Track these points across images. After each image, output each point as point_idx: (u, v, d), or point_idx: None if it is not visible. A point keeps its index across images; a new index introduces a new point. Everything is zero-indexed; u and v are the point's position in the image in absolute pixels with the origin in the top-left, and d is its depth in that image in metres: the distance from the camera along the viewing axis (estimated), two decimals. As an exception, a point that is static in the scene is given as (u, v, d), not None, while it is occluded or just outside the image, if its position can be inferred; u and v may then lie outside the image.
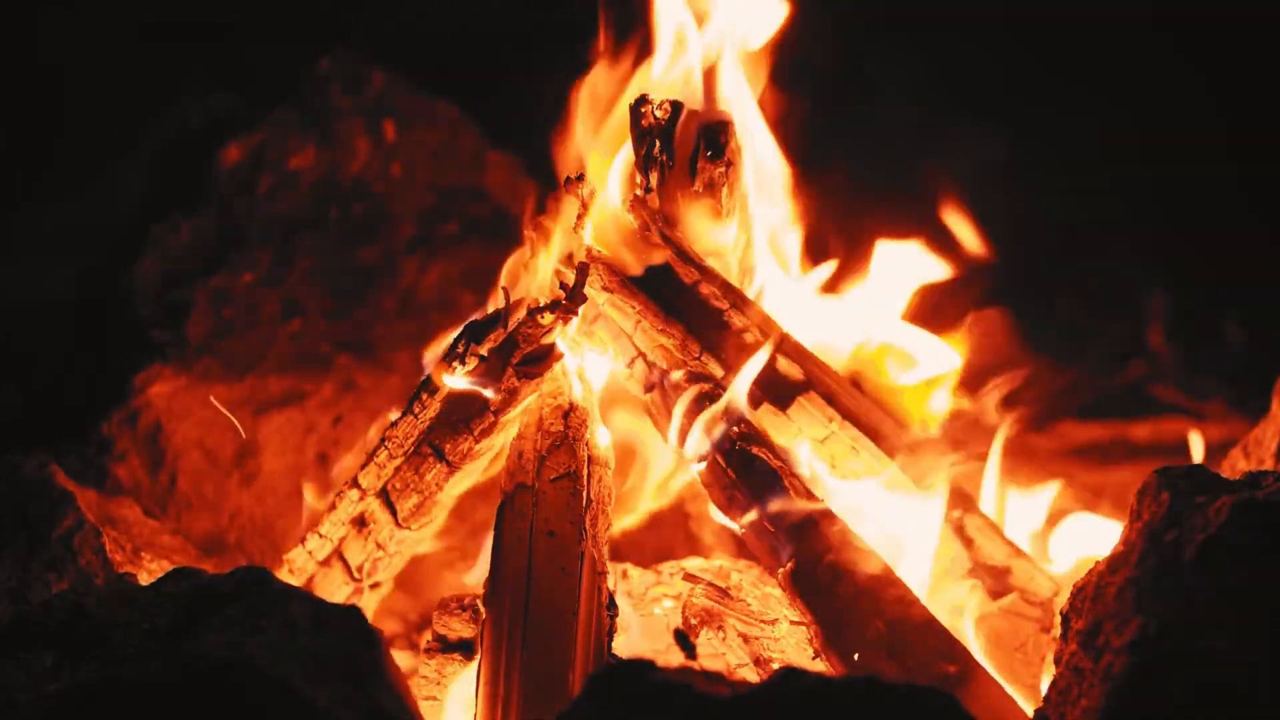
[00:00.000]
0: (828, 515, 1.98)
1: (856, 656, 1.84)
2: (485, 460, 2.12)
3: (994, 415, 2.27)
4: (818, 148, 2.36)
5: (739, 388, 2.04)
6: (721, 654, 1.96)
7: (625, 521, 2.30)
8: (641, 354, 2.12)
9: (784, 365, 2.10)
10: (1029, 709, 1.78)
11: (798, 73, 2.32)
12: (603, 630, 1.88)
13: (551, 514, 1.91)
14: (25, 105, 3.15)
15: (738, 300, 2.12)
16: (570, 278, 2.04)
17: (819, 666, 1.89)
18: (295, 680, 1.43)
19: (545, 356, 2.03)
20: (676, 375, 2.08)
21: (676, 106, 2.10)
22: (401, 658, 2.20)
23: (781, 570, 1.95)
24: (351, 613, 1.58)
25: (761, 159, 2.24)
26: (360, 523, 2.10)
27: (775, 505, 1.97)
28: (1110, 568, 1.65)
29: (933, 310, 2.36)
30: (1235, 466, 2.37)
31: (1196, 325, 3.36)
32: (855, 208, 2.34)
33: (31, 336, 2.96)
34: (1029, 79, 3.36)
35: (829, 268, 2.33)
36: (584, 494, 1.95)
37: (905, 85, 3.19)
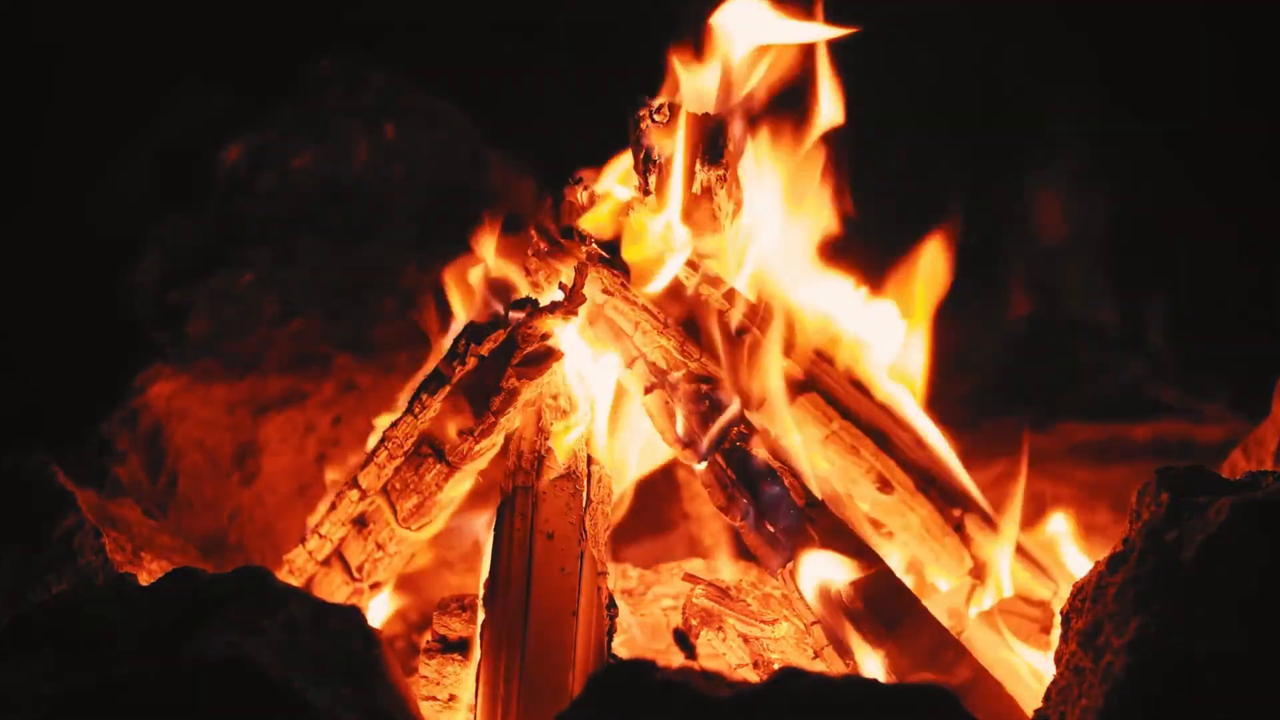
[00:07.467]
0: (828, 515, 1.98)
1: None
2: (484, 461, 2.12)
3: None
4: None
5: (739, 389, 2.04)
6: (721, 654, 1.96)
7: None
8: (641, 354, 2.12)
9: (785, 365, 2.10)
10: (1029, 709, 1.78)
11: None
12: (603, 630, 1.88)
13: (551, 514, 1.91)
14: (26, 104, 3.16)
15: (737, 301, 2.12)
16: (570, 278, 2.05)
17: (819, 666, 1.89)
18: (295, 680, 1.43)
19: (545, 356, 2.04)
20: (676, 376, 2.08)
21: (674, 109, 2.10)
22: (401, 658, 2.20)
23: (782, 570, 1.95)
24: (351, 613, 1.58)
25: (761, 159, 2.24)
26: (360, 523, 2.10)
27: (775, 505, 1.97)
28: (1110, 568, 1.65)
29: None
30: (1235, 466, 2.37)
31: (1196, 325, 3.36)
32: (857, 206, 2.33)
33: (32, 336, 2.97)
34: (1025, 74, 3.36)
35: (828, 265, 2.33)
36: (584, 494, 1.95)
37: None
